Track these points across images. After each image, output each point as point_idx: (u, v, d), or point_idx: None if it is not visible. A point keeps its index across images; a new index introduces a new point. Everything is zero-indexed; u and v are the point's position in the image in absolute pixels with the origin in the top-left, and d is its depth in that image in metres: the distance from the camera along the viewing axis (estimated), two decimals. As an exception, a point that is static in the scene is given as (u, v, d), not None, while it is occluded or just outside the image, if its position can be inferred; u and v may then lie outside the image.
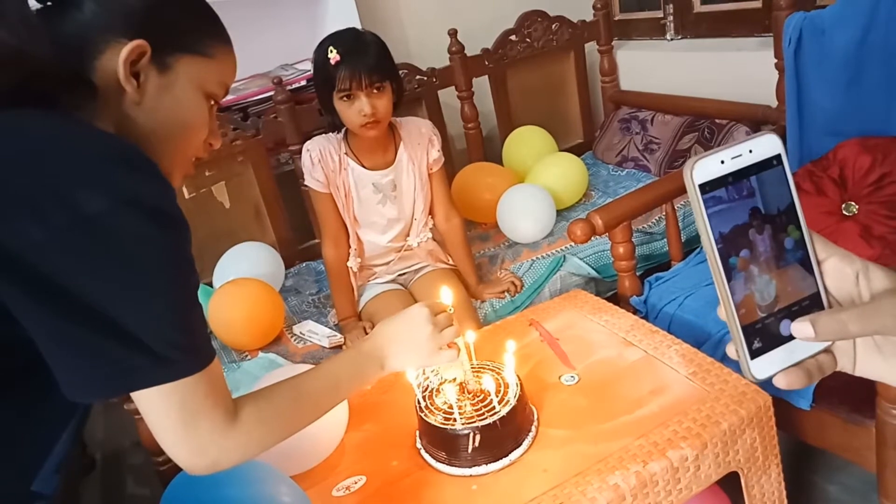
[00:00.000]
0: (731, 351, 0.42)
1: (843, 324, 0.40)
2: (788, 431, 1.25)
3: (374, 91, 1.43)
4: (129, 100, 0.67)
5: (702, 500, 1.12)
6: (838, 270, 0.43)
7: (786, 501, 1.10)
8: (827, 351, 0.43)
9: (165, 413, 0.63)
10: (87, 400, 0.62)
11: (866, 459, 1.14)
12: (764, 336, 0.42)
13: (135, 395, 0.62)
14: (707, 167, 0.40)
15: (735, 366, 1.12)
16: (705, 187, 0.40)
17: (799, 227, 0.43)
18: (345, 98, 1.43)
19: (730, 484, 1.06)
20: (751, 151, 0.41)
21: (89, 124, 0.61)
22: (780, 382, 0.42)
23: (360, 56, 1.41)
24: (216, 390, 0.66)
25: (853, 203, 1.40)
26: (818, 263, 0.43)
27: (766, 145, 0.42)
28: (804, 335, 0.41)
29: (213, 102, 0.74)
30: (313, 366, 1.21)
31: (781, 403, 1.05)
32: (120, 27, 0.65)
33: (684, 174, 0.41)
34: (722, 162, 0.41)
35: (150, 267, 0.59)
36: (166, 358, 0.60)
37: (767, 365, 0.42)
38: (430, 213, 1.67)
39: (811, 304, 0.43)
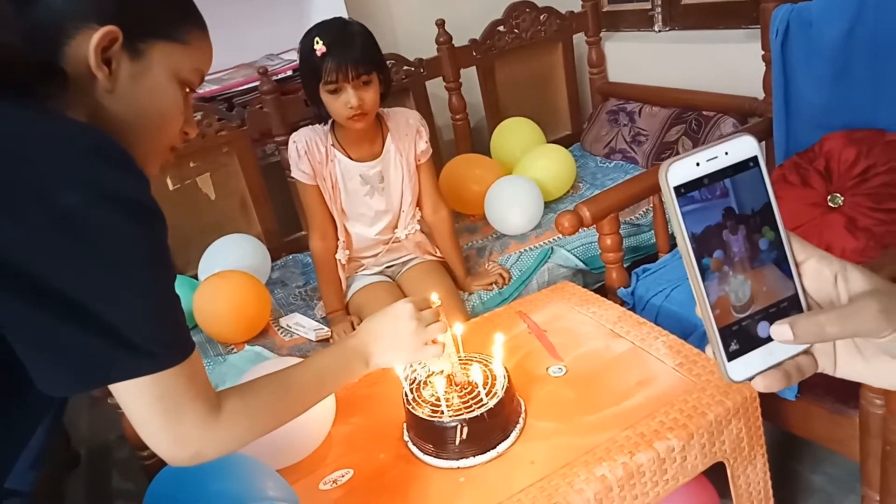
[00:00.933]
0: (709, 352, 0.42)
1: (822, 326, 0.40)
2: (774, 422, 1.26)
3: (361, 83, 1.41)
4: (100, 87, 0.65)
5: (688, 490, 1.13)
6: (817, 272, 0.43)
7: (771, 491, 1.11)
8: (807, 352, 0.43)
9: (146, 406, 0.62)
10: (66, 393, 0.61)
11: (850, 449, 1.16)
12: (741, 338, 0.42)
13: (115, 389, 0.61)
14: (682, 169, 0.40)
15: (721, 357, 1.13)
16: (680, 189, 0.40)
17: (774, 228, 0.42)
18: (331, 90, 1.42)
19: (716, 474, 1.06)
20: (727, 153, 0.41)
21: (63, 115, 0.60)
22: (759, 385, 0.42)
23: (346, 48, 1.39)
24: (197, 382, 0.65)
25: (839, 195, 1.41)
26: (797, 265, 0.43)
27: (743, 147, 0.42)
28: (783, 338, 0.41)
29: (188, 90, 0.73)
30: (300, 359, 1.21)
31: (767, 394, 1.05)
32: (91, 12, 0.63)
33: (659, 176, 0.40)
34: (697, 164, 0.40)
35: (127, 260, 0.58)
36: (145, 350, 0.59)
37: (745, 367, 0.42)
38: (418, 205, 1.66)
39: (789, 305, 0.42)
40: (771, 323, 0.42)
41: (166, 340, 0.62)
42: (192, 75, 0.72)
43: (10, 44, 0.58)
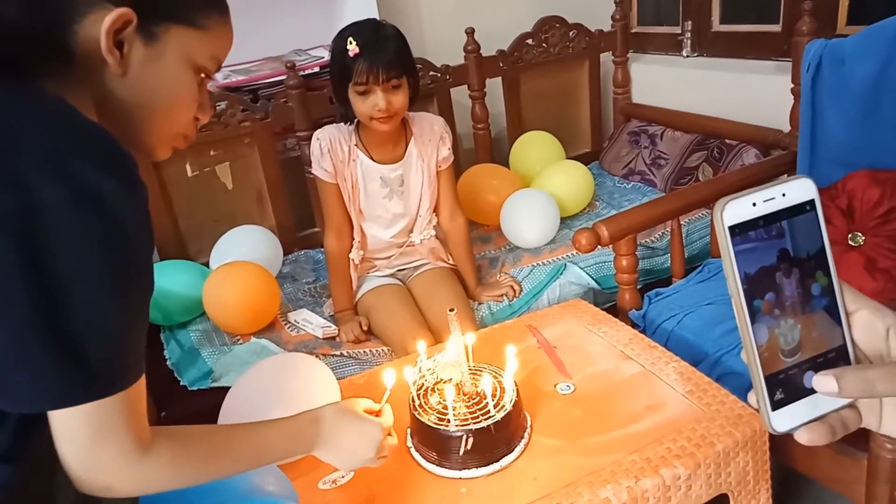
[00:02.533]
0: (752, 399, 0.41)
1: (871, 382, 0.39)
2: (779, 457, 1.25)
3: (391, 87, 1.41)
4: (110, 71, 0.61)
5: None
6: (868, 324, 0.41)
7: (772, 528, 1.10)
8: (851, 406, 0.42)
9: (73, 423, 0.58)
10: (11, 409, 0.57)
11: (855, 492, 1.14)
12: (787, 387, 0.40)
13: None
14: (738, 209, 0.39)
15: (732, 386, 1.12)
16: (735, 229, 0.39)
17: (828, 275, 0.41)
18: (361, 91, 1.41)
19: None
20: (784, 195, 0.40)
21: (56, 100, 0.56)
22: (802, 438, 0.40)
23: (379, 50, 1.39)
24: (133, 414, 0.61)
25: (859, 234, 1.40)
26: (847, 315, 0.42)
27: (800, 190, 0.41)
28: (827, 390, 0.40)
29: (203, 76, 0.69)
30: (306, 356, 1.20)
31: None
32: None
33: (714, 214, 0.39)
34: (754, 204, 0.40)
35: (96, 268, 0.54)
36: (93, 373, 0.55)
37: (789, 418, 0.41)
38: (435, 210, 1.65)
39: (837, 356, 0.41)
40: (817, 373, 0.40)
41: (117, 364, 0.57)
42: (209, 62, 0.69)
43: (8, 14, 0.55)
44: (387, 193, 1.57)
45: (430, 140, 1.57)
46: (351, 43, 1.38)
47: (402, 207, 1.60)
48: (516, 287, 1.68)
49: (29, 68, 0.56)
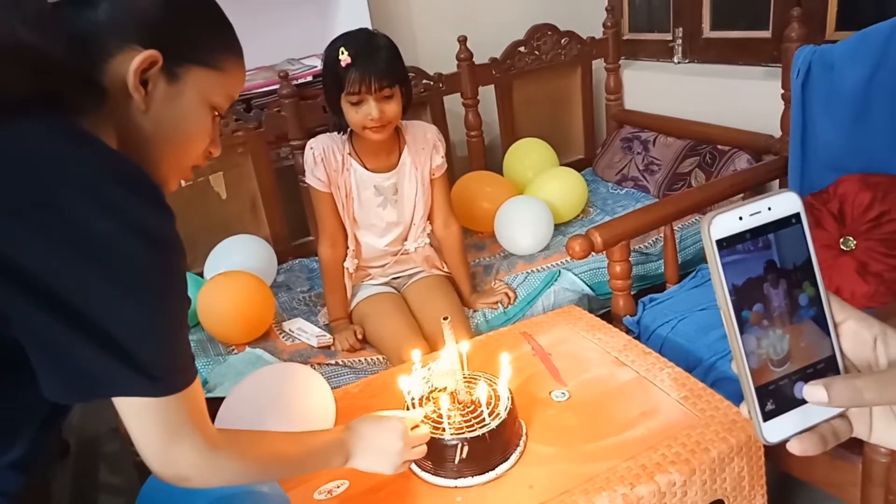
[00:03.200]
0: (743, 411, 0.41)
1: (859, 391, 0.39)
2: (773, 462, 1.25)
3: (384, 96, 1.41)
4: (134, 106, 0.66)
5: (684, 526, 1.11)
6: (856, 334, 0.42)
7: (768, 533, 1.10)
8: (842, 416, 0.42)
9: (146, 425, 0.65)
10: (65, 401, 0.62)
11: (850, 496, 1.14)
12: (777, 398, 0.41)
13: (118, 403, 0.64)
14: (725, 223, 0.40)
15: (726, 392, 1.12)
16: (722, 243, 0.40)
17: (815, 285, 0.42)
18: (354, 101, 1.42)
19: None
20: (770, 209, 0.41)
21: (98, 140, 0.61)
22: (794, 448, 0.41)
23: (371, 60, 1.39)
24: (197, 413, 0.68)
25: (851, 238, 1.41)
26: (835, 326, 0.42)
27: (786, 203, 0.41)
28: (817, 400, 0.40)
29: (216, 114, 0.74)
30: (301, 365, 1.20)
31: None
32: (134, 33, 0.65)
33: (701, 228, 0.40)
34: (740, 218, 0.40)
35: (145, 288, 0.60)
36: (150, 373, 0.61)
37: (780, 428, 0.41)
38: (429, 219, 1.66)
39: (826, 367, 0.42)
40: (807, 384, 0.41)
41: (170, 367, 0.63)
42: (223, 100, 0.74)
43: (53, 52, 0.59)
44: (381, 202, 1.57)
45: (424, 148, 1.58)
46: (343, 53, 1.38)
47: (396, 216, 1.60)
48: (511, 294, 1.68)
49: (67, 104, 0.61)
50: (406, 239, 1.64)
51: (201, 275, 1.75)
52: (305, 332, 1.61)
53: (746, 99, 1.99)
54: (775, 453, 1.23)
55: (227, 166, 1.89)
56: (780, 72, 1.70)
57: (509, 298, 1.67)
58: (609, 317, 1.55)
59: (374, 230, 1.60)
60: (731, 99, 2.05)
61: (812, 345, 0.42)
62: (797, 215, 0.42)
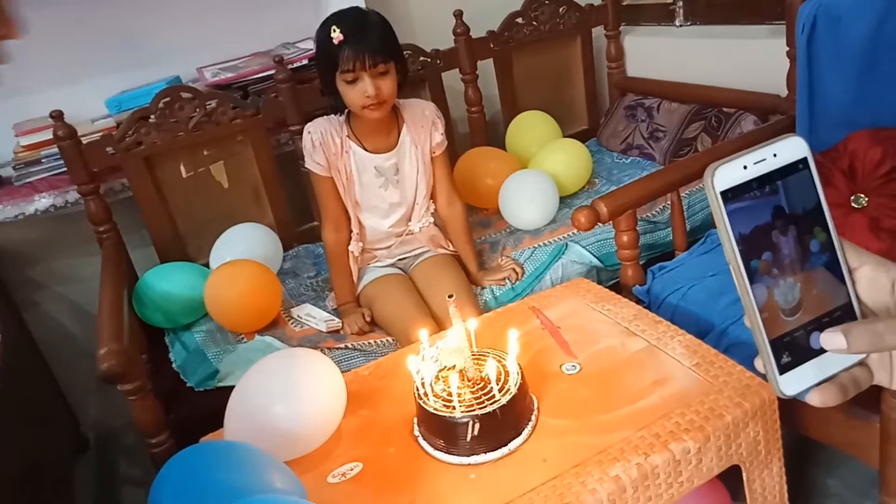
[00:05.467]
0: (758, 365, 0.40)
1: (880, 335, 0.37)
2: (790, 425, 1.24)
3: (378, 73, 1.39)
4: None
5: (701, 493, 1.11)
6: (872, 280, 0.40)
7: (786, 496, 1.09)
8: (862, 364, 0.40)
9: None
10: None
11: (869, 455, 1.13)
12: (793, 350, 0.39)
13: None
14: (729, 173, 0.38)
15: (739, 357, 1.11)
16: (727, 194, 0.38)
17: (826, 230, 0.40)
18: (348, 79, 1.40)
19: (730, 477, 1.04)
20: (775, 155, 0.39)
21: None
22: (814, 399, 0.39)
23: (364, 36, 1.37)
24: None
25: (862, 195, 1.38)
26: (850, 272, 0.41)
27: (792, 149, 0.39)
28: (835, 346, 0.38)
29: None
30: (311, 350, 1.20)
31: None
32: None
33: (704, 180, 0.38)
34: (745, 167, 0.39)
35: None
36: None
37: (797, 381, 0.40)
38: (432, 198, 1.64)
39: (843, 314, 0.40)
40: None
41: None
42: None
43: None
44: (382, 183, 1.56)
45: (423, 126, 1.56)
46: (335, 31, 1.36)
47: (399, 196, 1.58)
48: (518, 270, 1.66)
49: None
50: (410, 219, 1.63)
51: (207, 265, 1.75)
52: (314, 317, 1.61)
53: (751, 59, 1.95)
54: (791, 416, 1.22)
55: (227, 155, 1.88)
56: (784, 29, 1.66)
57: (517, 274, 1.65)
58: (618, 288, 1.53)
59: (377, 212, 1.59)
60: (735, 60, 2.01)
61: (826, 292, 0.40)
62: (804, 160, 0.40)
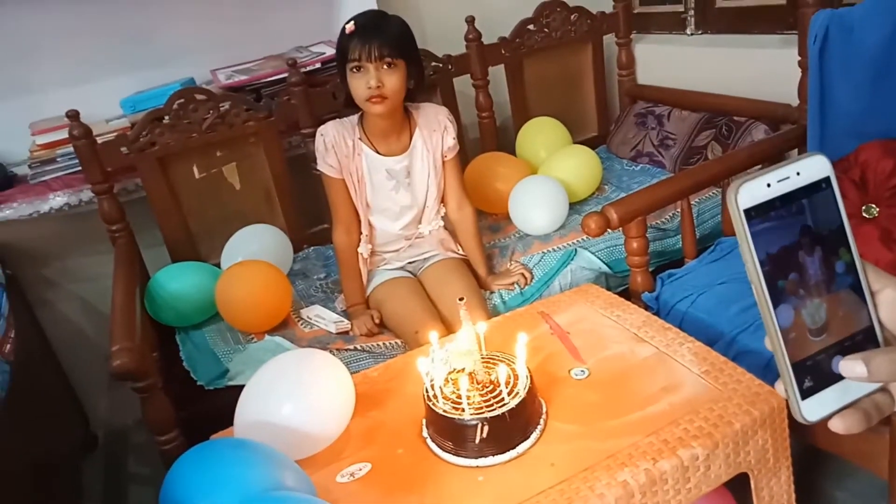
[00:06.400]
0: (779, 389, 0.39)
1: None
2: (799, 434, 1.23)
3: (385, 65, 1.42)
4: None
5: (709, 501, 1.11)
6: (894, 302, 0.40)
7: (794, 505, 1.09)
8: (883, 389, 0.40)
9: None
10: None
11: (878, 466, 1.13)
12: (815, 374, 0.39)
13: None
14: (752, 191, 0.38)
15: (749, 365, 1.11)
16: (750, 213, 0.38)
17: (850, 251, 0.40)
18: (355, 69, 1.43)
19: (737, 485, 1.04)
20: (798, 174, 0.39)
21: None
22: (837, 426, 0.39)
23: (375, 29, 1.41)
24: None
25: (874, 206, 1.38)
26: (872, 295, 0.40)
27: (815, 167, 0.39)
28: (855, 375, 0.38)
29: None
30: (319, 351, 1.21)
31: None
32: None
33: (728, 197, 0.38)
34: (768, 185, 0.38)
35: None
36: None
37: (819, 406, 0.39)
38: (443, 201, 1.65)
39: (865, 339, 0.40)
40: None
41: None
42: None
43: None
44: (393, 185, 1.57)
45: (435, 130, 1.57)
46: (349, 23, 1.41)
47: (410, 199, 1.59)
48: (527, 274, 1.67)
49: None
50: (420, 222, 1.64)
51: (218, 265, 1.77)
52: (323, 318, 1.62)
53: (762, 68, 1.95)
54: (800, 425, 1.22)
55: (239, 157, 1.89)
56: (796, 39, 1.66)
57: (525, 279, 1.66)
58: (627, 294, 1.53)
59: (387, 214, 1.60)
60: (746, 69, 2.01)
61: (850, 315, 0.40)
62: (827, 179, 0.40)
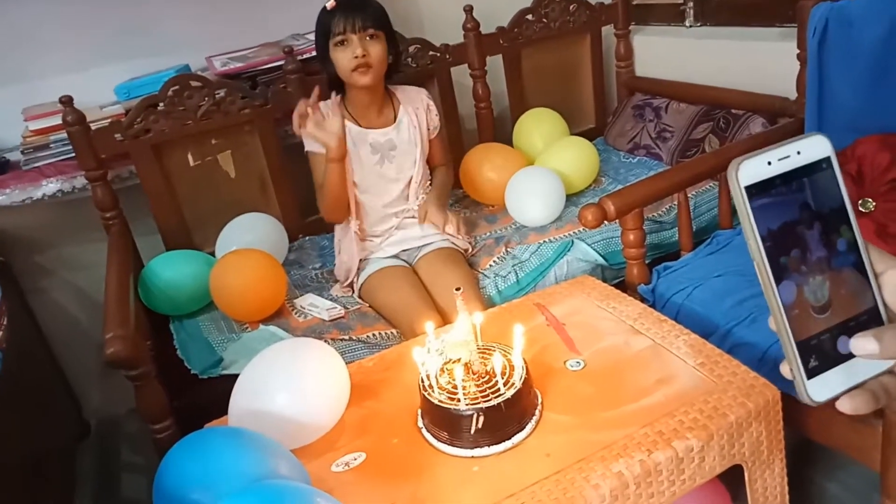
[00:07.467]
0: (784, 370, 0.39)
1: None
2: (792, 427, 1.24)
3: (367, 36, 1.49)
4: None
5: (702, 493, 1.11)
6: None
7: (787, 497, 1.09)
8: (890, 371, 0.40)
9: None
10: None
11: (871, 458, 1.13)
12: (820, 353, 0.39)
13: None
14: (753, 168, 0.38)
15: (744, 358, 1.11)
16: (751, 190, 0.38)
17: (851, 230, 0.40)
18: (339, 43, 1.49)
19: (730, 477, 1.05)
20: (799, 153, 0.39)
21: None
22: (845, 407, 0.38)
23: (355, 4, 1.49)
24: None
25: (870, 200, 1.38)
26: (875, 276, 0.40)
27: (816, 147, 0.39)
28: (867, 352, 0.38)
29: None
30: (315, 341, 1.20)
31: (787, 398, 1.03)
32: None
33: (728, 175, 0.38)
34: (769, 163, 0.38)
35: None
36: None
37: (825, 387, 0.39)
38: (428, 162, 1.72)
39: (869, 319, 0.40)
40: (851, 338, 0.39)
41: None
42: None
43: None
44: (378, 159, 1.62)
45: (419, 107, 1.64)
46: (329, 1, 1.48)
47: (395, 171, 1.64)
48: (454, 220, 1.68)
49: None
50: (408, 198, 1.66)
51: (213, 254, 1.76)
52: (317, 306, 1.61)
53: (761, 61, 1.94)
54: (794, 418, 1.22)
55: (234, 145, 1.88)
56: (795, 32, 1.66)
57: (451, 227, 1.66)
58: (623, 286, 1.53)
59: (374, 190, 1.63)
60: (744, 62, 2.00)
61: (854, 294, 0.39)
62: (827, 160, 0.40)
